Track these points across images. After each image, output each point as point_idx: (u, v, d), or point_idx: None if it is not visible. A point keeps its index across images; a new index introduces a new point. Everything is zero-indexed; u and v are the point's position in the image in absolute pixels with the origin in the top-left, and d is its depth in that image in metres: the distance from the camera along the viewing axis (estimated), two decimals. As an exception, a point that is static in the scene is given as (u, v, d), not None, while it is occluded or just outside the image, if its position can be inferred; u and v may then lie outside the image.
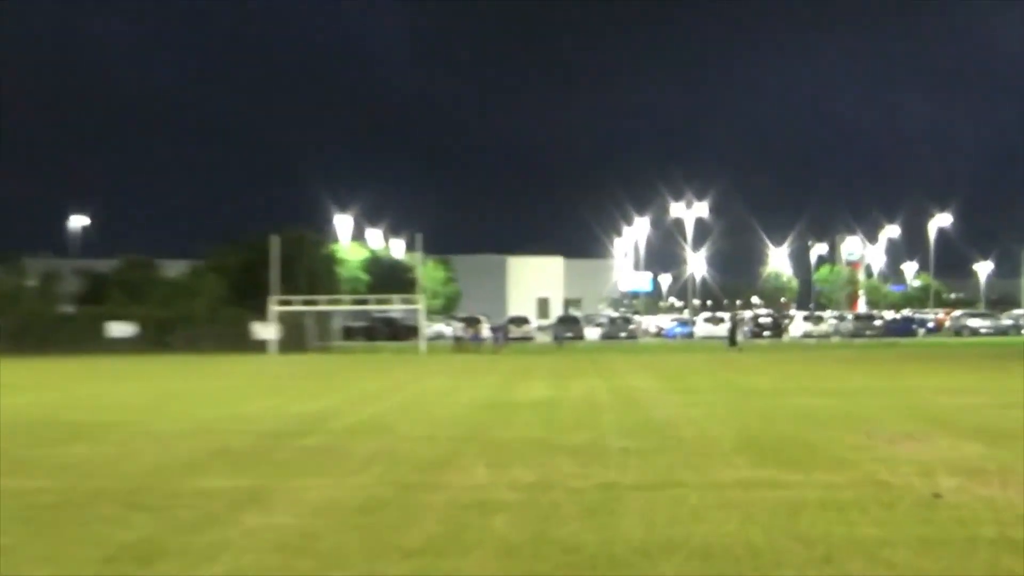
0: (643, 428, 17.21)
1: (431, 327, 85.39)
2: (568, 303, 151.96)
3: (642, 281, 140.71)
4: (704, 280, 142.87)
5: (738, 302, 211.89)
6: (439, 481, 11.84)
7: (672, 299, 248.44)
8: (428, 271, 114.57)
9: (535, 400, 23.74)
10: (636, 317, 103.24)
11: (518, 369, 39.85)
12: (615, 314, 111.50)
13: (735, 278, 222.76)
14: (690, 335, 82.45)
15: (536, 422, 18.50)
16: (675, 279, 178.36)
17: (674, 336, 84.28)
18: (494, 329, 64.38)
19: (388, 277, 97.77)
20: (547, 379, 32.51)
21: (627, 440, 15.48)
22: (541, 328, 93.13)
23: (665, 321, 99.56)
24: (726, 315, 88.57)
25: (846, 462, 13.03)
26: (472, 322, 71.29)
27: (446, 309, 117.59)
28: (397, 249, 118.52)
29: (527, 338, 73.55)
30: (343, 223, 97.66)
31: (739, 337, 63.28)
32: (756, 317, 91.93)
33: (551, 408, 21.47)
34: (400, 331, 77.24)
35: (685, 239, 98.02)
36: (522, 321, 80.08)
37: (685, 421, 18.43)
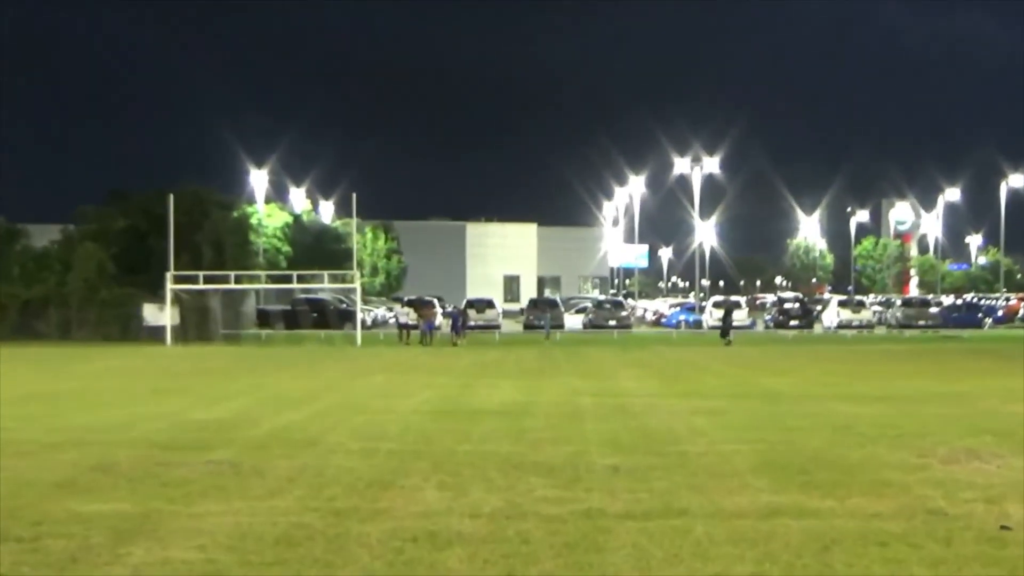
0: (637, 441, 17.30)
1: (370, 312, 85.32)
2: (543, 283, 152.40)
3: (637, 256, 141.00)
4: (715, 255, 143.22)
5: (757, 283, 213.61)
6: (378, 507, 11.85)
7: (675, 279, 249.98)
8: (366, 241, 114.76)
9: (500, 405, 23.79)
10: (629, 301, 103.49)
11: (479, 366, 39.84)
12: (602, 297, 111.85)
13: (754, 253, 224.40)
14: (698, 324, 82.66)
15: (502, 433, 18.54)
16: (678, 254, 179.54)
17: (677, 325, 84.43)
18: (451, 315, 64.46)
19: (315, 248, 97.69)
20: (516, 379, 32.52)
21: (616, 456, 15.55)
22: (508, 314, 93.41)
23: (666, 306, 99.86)
24: (738, 299, 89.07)
25: (892, 486, 13.15)
26: (422, 305, 71.20)
27: (389, 289, 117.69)
28: (326, 213, 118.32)
29: (492, 326, 73.44)
30: (258, 180, 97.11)
31: (744, 327, 63.66)
32: (780, 301, 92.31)
33: (521, 416, 21.52)
34: (330, 316, 76.89)
35: (691, 204, 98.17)
36: (485, 305, 79.94)
37: (690, 433, 18.53)
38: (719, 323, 70.13)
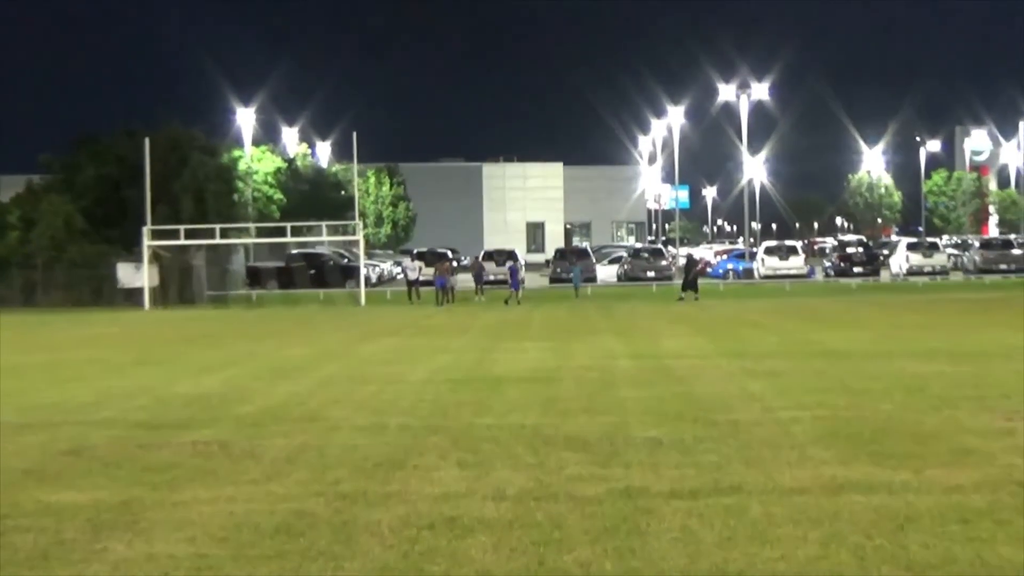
0: (681, 409, 17.29)
1: (375, 267, 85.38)
2: (572, 230, 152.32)
3: (677, 196, 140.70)
4: (766, 195, 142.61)
5: (815, 225, 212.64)
6: (389, 490, 11.86)
7: (721, 223, 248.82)
8: (369, 186, 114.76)
9: (526, 371, 23.81)
10: (670, 249, 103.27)
11: (500, 327, 39.89)
12: (639, 245, 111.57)
13: (810, 191, 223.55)
14: (748, 273, 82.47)
15: (528, 403, 18.55)
16: (724, 194, 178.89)
17: (724, 275, 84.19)
18: (511, 269, 63.82)
19: (312, 197, 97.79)
20: (542, 341, 32.55)
21: (658, 427, 15.54)
22: (532, 266, 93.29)
23: (711, 254, 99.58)
24: (793, 243, 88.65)
25: (973, 454, 13.11)
26: (435, 259, 71.16)
27: (397, 241, 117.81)
28: (323, 156, 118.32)
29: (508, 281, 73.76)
30: (245, 120, 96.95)
31: (801, 276, 63.07)
32: (842, 246, 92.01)
33: (549, 383, 21.53)
34: (330, 273, 76.92)
35: (738, 136, 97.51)
36: (505, 256, 79.79)
37: (742, 398, 18.51)
38: (772, 271, 69.73)
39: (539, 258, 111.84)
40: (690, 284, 57.44)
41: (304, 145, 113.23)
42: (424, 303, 57.67)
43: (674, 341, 31.02)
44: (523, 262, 67.78)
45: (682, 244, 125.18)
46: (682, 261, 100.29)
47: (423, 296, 59.91)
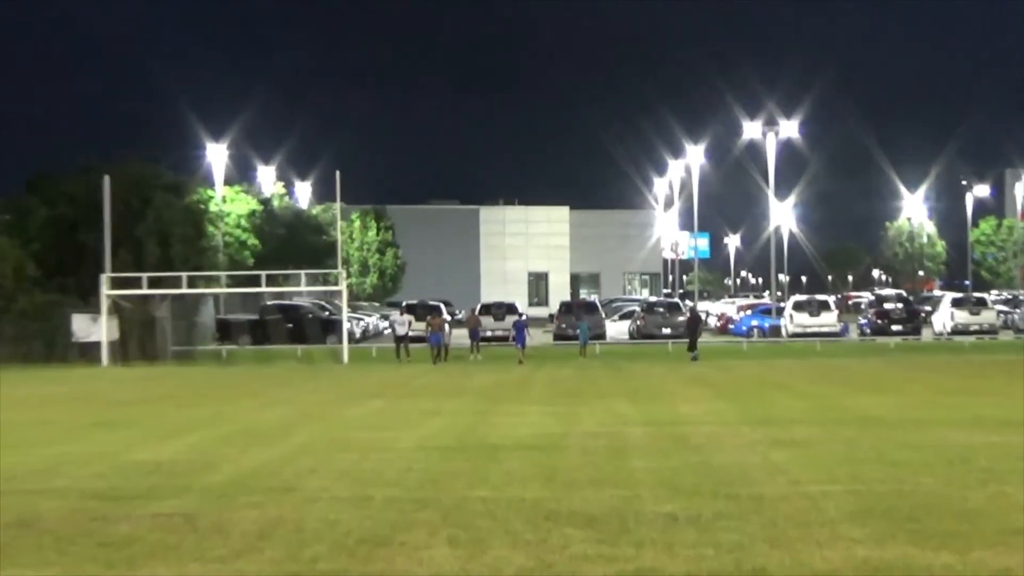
0: (699, 482, 17.27)
1: (359, 321, 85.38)
2: (578, 281, 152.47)
3: (696, 245, 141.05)
4: (795, 244, 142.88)
5: (849, 278, 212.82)
6: (373, 570, 11.84)
7: (744, 274, 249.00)
8: (354, 231, 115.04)
9: (527, 438, 23.80)
10: (687, 304, 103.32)
11: (499, 388, 39.89)
12: (654, 298, 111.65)
13: (844, 240, 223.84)
14: (775, 331, 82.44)
15: (528, 474, 18.55)
16: (748, 243, 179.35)
17: (748, 333, 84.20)
18: (517, 325, 63.36)
19: (289, 242, 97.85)
20: (545, 404, 32.54)
21: (673, 502, 15.53)
22: (535, 321, 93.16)
23: (734, 309, 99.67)
24: (825, 298, 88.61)
25: (1024, 535, 13.12)
26: (426, 312, 71.17)
27: (384, 292, 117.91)
28: (303, 197, 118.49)
29: (507, 337, 73.38)
30: (216, 156, 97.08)
31: (834, 334, 62.90)
32: (879, 301, 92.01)
33: (552, 451, 21.53)
34: (309, 327, 76.98)
35: (765, 179, 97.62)
36: (504, 310, 79.82)
37: (766, 470, 18.50)
38: (801, 328, 69.55)
39: (542, 312, 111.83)
40: (693, 341, 57.64)
41: (281, 185, 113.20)
42: (414, 361, 57.63)
43: (691, 406, 30.99)
44: (525, 317, 67.52)
45: (702, 298, 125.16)
46: (710, 318, 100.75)
47: (412, 354, 59.85)
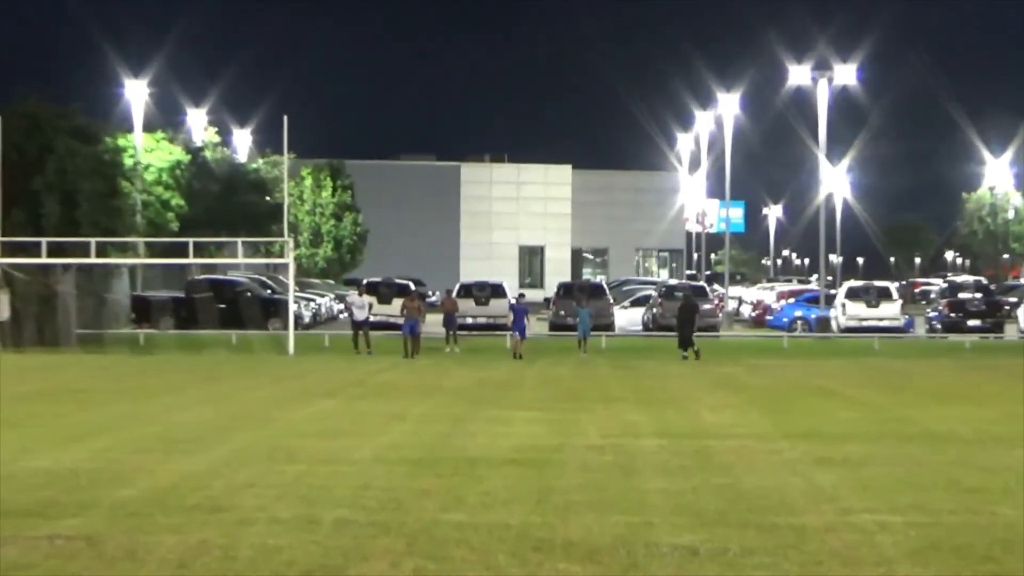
0: (725, 508, 17.33)
1: (310, 302, 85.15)
2: (581, 258, 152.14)
3: (728, 216, 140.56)
4: (851, 217, 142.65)
5: (916, 260, 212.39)
6: (322, 609, 11.85)
7: (787, 253, 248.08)
8: (304, 191, 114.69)
9: (513, 451, 23.84)
10: (716, 288, 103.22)
11: (480, 388, 39.97)
12: (675, 281, 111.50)
13: (911, 214, 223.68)
14: (823, 324, 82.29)
15: (515, 494, 18.59)
16: (793, 215, 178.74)
17: (791, 325, 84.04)
18: (515, 309, 62.98)
19: (225, 203, 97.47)
20: (537, 409, 32.58)
21: (693, 532, 15.58)
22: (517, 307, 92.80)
23: (772, 295, 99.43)
24: (886, 285, 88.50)
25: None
26: (391, 292, 71.28)
27: (341, 266, 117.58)
28: (242, 147, 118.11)
29: (499, 325, 73.11)
30: (136, 96, 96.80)
31: (894, 329, 62.60)
32: (952, 290, 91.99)
33: (544, 468, 21.58)
34: (247, 309, 76.67)
35: (814, 137, 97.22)
36: (489, 292, 79.60)
37: (809, 495, 18.55)
38: (856, 321, 69.30)
39: (536, 295, 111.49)
40: (687, 336, 56.30)
41: (215, 132, 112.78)
42: (376, 353, 57.56)
43: (718, 414, 31.04)
44: (513, 299, 67.07)
45: (734, 281, 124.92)
46: (732, 304, 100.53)
47: (374, 344, 59.76)
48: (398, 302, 63.44)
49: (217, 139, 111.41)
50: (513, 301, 62.99)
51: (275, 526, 15.91)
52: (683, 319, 58.11)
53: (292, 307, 65.64)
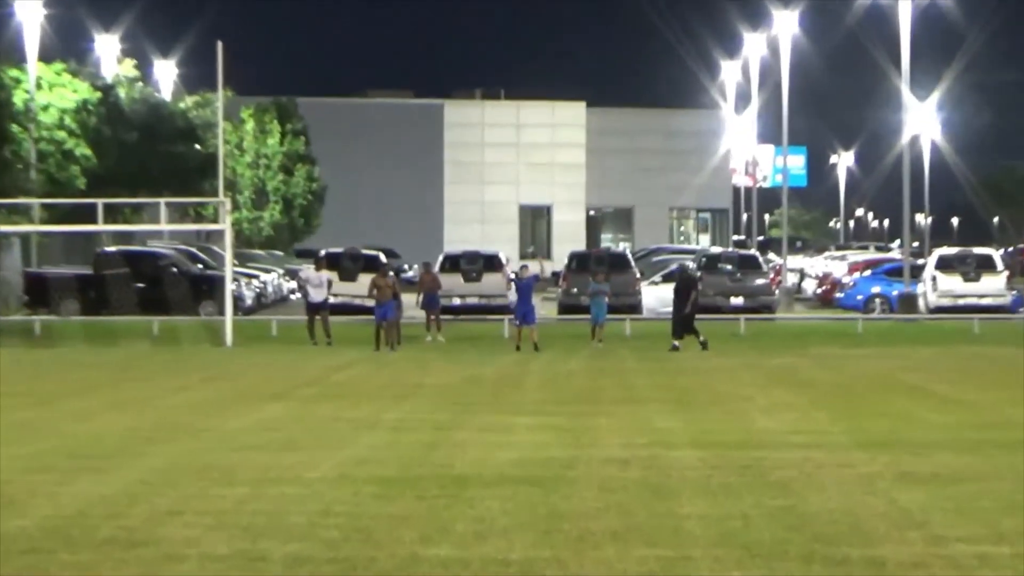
0: (784, 538, 17.40)
1: (253, 280, 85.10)
2: (599, 221, 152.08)
3: (786, 165, 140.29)
4: (942, 166, 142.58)
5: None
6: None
7: (860, 213, 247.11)
8: (245, 137, 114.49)
9: (512, 467, 23.92)
10: (771, 258, 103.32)
11: (468, 388, 40.21)
12: (718, 249, 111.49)
13: (1019, 160, 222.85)
14: (910, 303, 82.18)
15: (515, 521, 18.63)
16: (867, 164, 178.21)
17: (867, 304, 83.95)
18: (426, 290, 63.23)
19: (144, 153, 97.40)
20: (542, 414, 32.68)
21: (743, 568, 15.68)
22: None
23: (843, 267, 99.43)
24: (989, 252, 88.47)
25: None
26: (356, 266, 71.35)
27: (291, 235, 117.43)
28: (165, 83, 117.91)
29: (492, 306, 73.08)
30: (30, 16, 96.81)
31: (998, 307, 62.65)
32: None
33: (552, 487, 21.61)
34: (172, 289, 76.78)
35: (896, 64, 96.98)
36: (481, 264, 79.57)
37: (892, 519, 18.57)
38: (950, 298, 69.41)
39: (543, 267, 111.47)
40: (685, 320, 55.49)
41: (131, 64, 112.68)
42: (339, 345, 57.56)
43: (774, 418, 31.09)
44: (511, 274, 66.70)
45: (794, 249, 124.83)
46: (791, 279, 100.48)
47: (336, 332, 59.73)
48: (366, 279, 63.19)
49: (134, 73, 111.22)
50: (513, 275, 61.93)
51: (210, 564, 15.94)
52: (679, 300, 56.51)
53: (230, 286, 65.61)
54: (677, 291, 57.36)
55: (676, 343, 54.69)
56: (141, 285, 75.13)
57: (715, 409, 33.25)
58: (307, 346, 57.86)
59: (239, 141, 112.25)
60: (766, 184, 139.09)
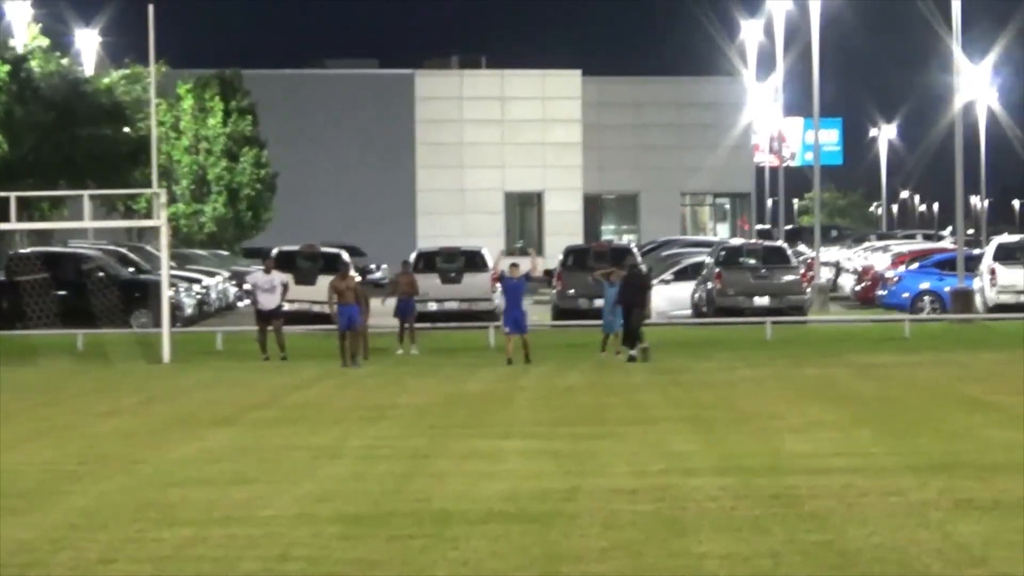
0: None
1: (192, 285, 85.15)
2: (599, 209, 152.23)
3: (818, 141, 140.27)
4: (1003, 141, 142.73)
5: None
6: None
7: (905, 196, 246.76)
8: (183, 116, 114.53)
9: (501, 500, 23.95)
10: (802, 249, 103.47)
11: (449, 408, 40.35)
12: (739, 241, 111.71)
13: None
14: (965, 300, 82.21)
15: (508, 564, 18.72)
16: (912, 140, 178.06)
17: (914, 304, 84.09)
18: (399, 294, 63.24)
19: (63, 136, 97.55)
20: (537, 437, 32.82)
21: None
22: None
23: (886, 259, 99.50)
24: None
25: None
26: (314, 266, 71.47)
27: (239, 231, 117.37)
28: (87, 55, 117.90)
29: (476, 311, 73.18)
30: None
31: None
32: None
33: (550, 524, 21.68)
34: (99, 296, 76.91)
35: (946, 23, 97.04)
36: (462, 263, 79.69)
37: (947, 556, 18.63)
38: (1012, 294, 69.53)
39: (536, 264, 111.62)
40: (633, 323, 54.78)
41: (39, 31, 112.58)
42: (296, 359, 57.66)
43: (808, 439, 31.18)
44: (524, 268, 65.72)
45: (828, 238, 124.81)
46: (826, 274, 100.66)
47: (292, 344, 59.83)
48: (325, 281, 63.19)
49: (47, 42, 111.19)
50: (505, 271, 60.65)
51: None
52: (628, 300, 56.15)
53: (167, 292, 65.68)
54: (624, 289, 56.51)
55: (632, 353, 54.59)
56: (62, 292, 75.26)
57: (739, 429, 33.32)
58: (258, 361, 57.94)
59: (175, 122, 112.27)
60: (794, 163, 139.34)
